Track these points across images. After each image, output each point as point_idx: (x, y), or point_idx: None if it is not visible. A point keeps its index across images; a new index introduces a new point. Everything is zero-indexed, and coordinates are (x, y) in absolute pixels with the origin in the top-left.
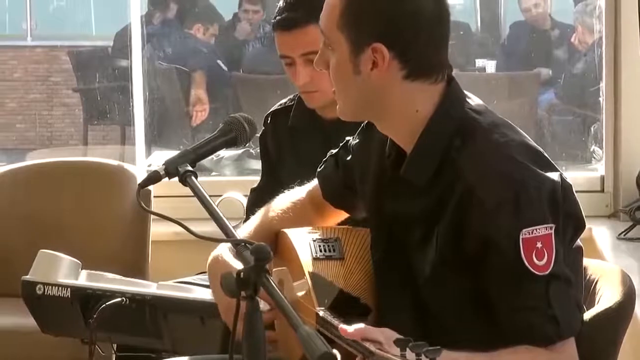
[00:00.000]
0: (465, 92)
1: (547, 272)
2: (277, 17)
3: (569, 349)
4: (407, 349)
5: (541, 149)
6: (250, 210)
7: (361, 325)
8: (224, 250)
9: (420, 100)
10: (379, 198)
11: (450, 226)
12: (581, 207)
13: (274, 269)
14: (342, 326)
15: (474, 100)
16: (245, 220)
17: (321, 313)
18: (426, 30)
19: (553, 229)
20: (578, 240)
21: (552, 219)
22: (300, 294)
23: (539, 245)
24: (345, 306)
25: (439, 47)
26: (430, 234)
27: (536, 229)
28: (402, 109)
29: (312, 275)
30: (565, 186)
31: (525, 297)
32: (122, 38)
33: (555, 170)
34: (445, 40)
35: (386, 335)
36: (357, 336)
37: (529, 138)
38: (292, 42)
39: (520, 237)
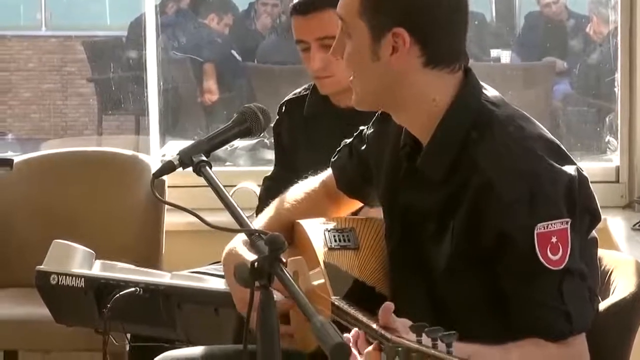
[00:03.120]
0: (482, 83)
1: (561, 267)
2: (295, 2)
3: (579, 344)
4: (423, 334)
5: (558, 142)
6: (264, 199)
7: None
8: (239, 244)
9: (438, 89)
10: (393, 189)
11: (467, 220)
12: (596, 198)
13: (289, 259)
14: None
15: (490, 91)
16: (257, 209)
17: (336, 302)
18: (445, 17)
19: (569, 224)
20: (593, 231)
21: (568, 214)
22: (315, 283)
23: (553, 239)
24: (360, 295)
25: (457, 35)
26: (445, 227)
27: (551, 224)
28: (419, 97)
29: (327, 265)
30: (581, 179)
31: (538, 291)
32: (137, 28)
33: (572, 163)
34: (463, 28)
35: (402, 322)
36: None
37: (546, 130)
38: (308, 27)
39: (535, 231)
